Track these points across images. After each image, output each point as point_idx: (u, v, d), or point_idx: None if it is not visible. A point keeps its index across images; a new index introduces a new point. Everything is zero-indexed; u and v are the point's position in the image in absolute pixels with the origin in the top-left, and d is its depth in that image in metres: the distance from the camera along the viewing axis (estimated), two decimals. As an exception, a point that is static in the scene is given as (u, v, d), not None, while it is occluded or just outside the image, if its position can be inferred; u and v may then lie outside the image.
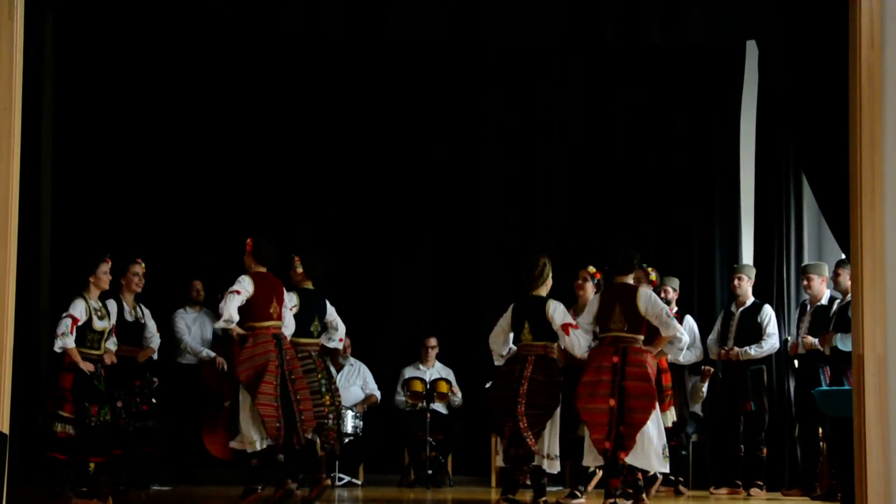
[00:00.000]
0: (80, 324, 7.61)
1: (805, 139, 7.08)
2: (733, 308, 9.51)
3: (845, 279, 8.48)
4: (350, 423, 9.48)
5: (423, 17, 9.13)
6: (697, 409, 9.79)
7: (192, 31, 10.29)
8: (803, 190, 10.06)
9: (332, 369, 9.79)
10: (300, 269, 8.27)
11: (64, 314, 7.64)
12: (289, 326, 8.00)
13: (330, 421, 8.04)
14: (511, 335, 8.00)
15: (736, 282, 9.47)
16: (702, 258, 10.59)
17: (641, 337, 7.67)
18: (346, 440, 9.53)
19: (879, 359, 6.41)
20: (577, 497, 8.18)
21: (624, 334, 7.61)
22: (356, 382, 10.17)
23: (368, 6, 9.04)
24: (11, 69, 6.45)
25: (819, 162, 6.99)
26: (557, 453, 7.76)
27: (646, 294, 7.68)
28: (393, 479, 10.09)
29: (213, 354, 9.49)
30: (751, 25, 7.70)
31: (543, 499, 7.77)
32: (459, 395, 10.19)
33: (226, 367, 9.21)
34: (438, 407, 10.06)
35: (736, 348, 9.31)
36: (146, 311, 8.46)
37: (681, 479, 9.23)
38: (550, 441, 7.72)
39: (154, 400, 8.46)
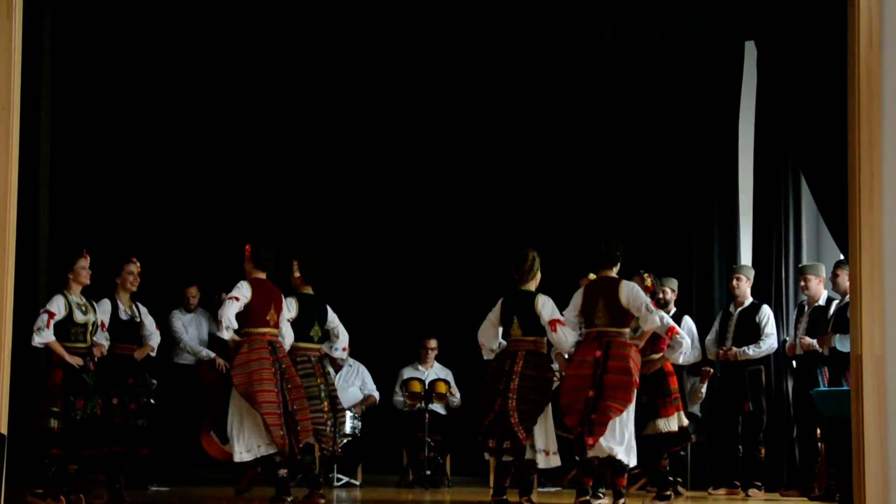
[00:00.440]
0: (57, 318, 7.61)
1: (804, 139, 7.08)
2: (732, 308, 9.51)
3: (844, 280, 8.46)
4: (348, 423, 9.47)
5: (421, 16, 9.11)
6: (696, 409, 9.79)
7: (190, 31, 10.27)
8: (802, 190, 10.05)
9: (332, 371, 9.81)
10: (297, 274, 8.25)
11: (41, 310, 7.67)
12: (286, 337, 7.99)
13: (328, 428, 8.03)
14: (500, 329, 7.95)
15: (734, 282, 9.47)
16: (700, 258, 10.58)
17: (626, 330, 7.66)
18: (345, 441, 9.53)
19: (878, 359, 6.42)
20: (599, 498, 8.10)
21: (608, 329, 7.60)
22: (355, 383, 10.17)
23: (366, 6, 9.03)
24: (10, 69, 6.46)
25: (818, 162, 6.99)
26: (556, 449, 7.71)
27: (628, 286, 7.65)
28: (391, 480, 10.08)
29: (212, 355, 9.48)
30: (750, 26, 7.70)
31: (527, 497, 7.66)
32: (458, 395, 10.18)
33: (225, 368, 9.20)
34: (437, 407, 10.05)
35: (734, 348, 9.31)
36: (143, 309, 8.46)
37: (679, 479, 9.22)
38: (547, 437, 7.67)
39: (153, 401, 8.45)
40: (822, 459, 8.96)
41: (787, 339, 9.53)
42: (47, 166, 10.17)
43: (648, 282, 8.49)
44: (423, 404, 9.84)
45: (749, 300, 9.46)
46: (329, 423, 8.03)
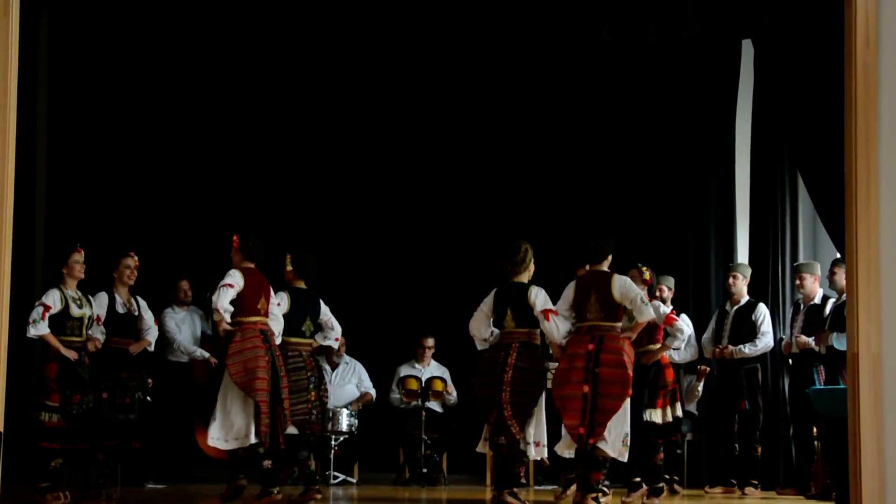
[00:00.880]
0: (52, 312, 7.60)
1: (800, 138, 7.09)
2: (728, 307, 9.52)
3: (841, 278, 8.46)
4: (345, 421, 9.47)
5: (418, 15, 9.11)
6: (692, 407, 9.80)
7: (187, 29, 10.26)
8: (798, 189, 10.06)
9: (327, 368, 9.80)
10: (290, 268, 8.20)
11: (37, 303, 7.66)
12: (275, 328, 7.91)
13: (313, 416, 7.97)
14: (492, 321, 7.86)
15: (731, 280, 9.48)
16: (697, 257, 10.60)
17: (619, 324, 7.61)
18: (341, 438, 9.54)
19: (874, 358, 6.42)
20: (606, 494, 8.06)
21: (600, 323, 7.56)
22: (351, 381, 10.17)
23: (365, 5, 9.02)
24: (6, 66, 6.45)
25: (814, 160, 6.99)
26: (545, 441, 7.66)
27: (620, 280, 7.61)
28: (388, 478, 10.08)
29: (206, 354, 9.46)
30: (747, 24, 7.69)
31: (509, 490, 7.52)
32: (455, 393, 10.18)
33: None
34: (433, 405, 10.06)
35: (730, 347, 9.32)
36: (142, 303, 8.45)
37: (676, 477, 9.23)
38: (537, 428, 7.61)
39: (149, 398, 8.45)
40: (818, 458, 8.98)
41: (784, 337, 9.54)
42: (44, 162, 10.16)
43: (647, 275, 8.45)
44: (419, 402, 9.84)
45: (745, 298, 9.47)
46: (314, 412, 7.96)
